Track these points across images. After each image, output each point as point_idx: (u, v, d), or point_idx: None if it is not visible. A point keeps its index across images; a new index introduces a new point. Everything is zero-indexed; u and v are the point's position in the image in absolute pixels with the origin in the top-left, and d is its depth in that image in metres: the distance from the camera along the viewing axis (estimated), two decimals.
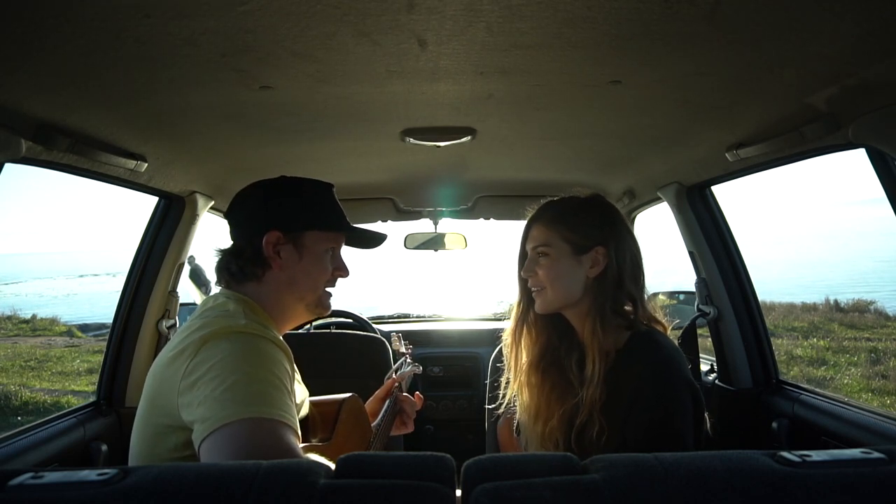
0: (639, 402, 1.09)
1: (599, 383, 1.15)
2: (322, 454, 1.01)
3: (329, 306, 1.21)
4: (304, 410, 1.22)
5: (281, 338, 1.05)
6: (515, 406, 1.35)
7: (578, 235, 1.22)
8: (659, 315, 1.24)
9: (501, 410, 1.39)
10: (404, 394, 1.67)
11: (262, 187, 1.18)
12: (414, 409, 1.64)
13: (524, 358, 1.31)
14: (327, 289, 1.20)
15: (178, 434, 0.94)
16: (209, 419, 0.86)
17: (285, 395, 0.94)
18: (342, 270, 1.22)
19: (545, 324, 1.30)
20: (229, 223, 1.19)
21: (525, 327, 1.31)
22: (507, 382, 1.35)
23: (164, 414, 0.95)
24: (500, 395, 1.37)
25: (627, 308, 1.21)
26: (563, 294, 1.23)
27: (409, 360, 1.88)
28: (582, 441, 1.16)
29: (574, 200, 1.29)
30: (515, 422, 1.40)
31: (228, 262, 1.13)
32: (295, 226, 1.14)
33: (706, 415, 1.17)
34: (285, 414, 0.90)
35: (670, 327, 1.26)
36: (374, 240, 1.32)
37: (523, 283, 1.30)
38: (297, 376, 1.22)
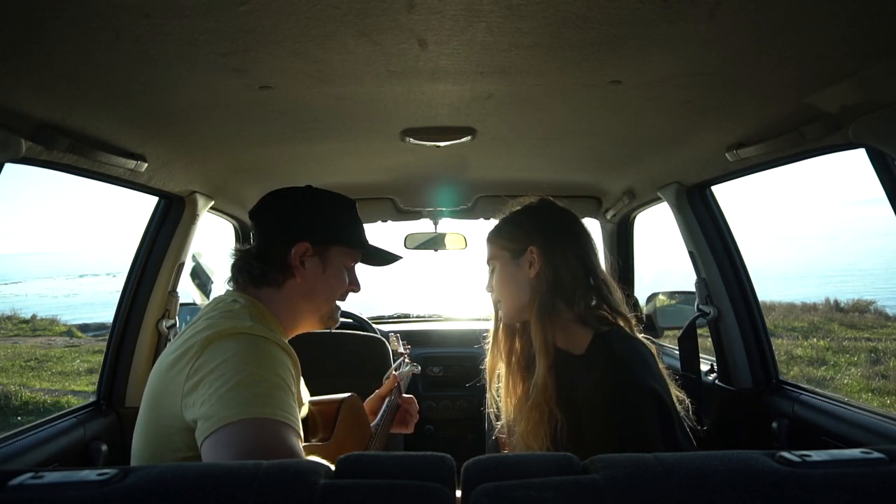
0: (598, 415, 1.08)
1: (545, 375, 1.16)
2: (321, 454, 1.01)
3: (338, 319, 1.24)
4: (304, 412, 1.22)
5: (287, 342, 1.05)
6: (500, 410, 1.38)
7: (510, 241, 1.28)
8: (623, 308, 1.24)
9: (491, 414, 1.41)
10: (406, 395, 1.67)
11: (295, 196, 1.20)
12: (416, 411, 1.64)
13: (501, 364, 1.36)
14: (338, 302, 1.23)
15: (183, 435, 0.93)
16: (212, 417, 0.86)
17: (289, 396, 0.94)
18: (356, 285, 1.26)
19: (516, 333, 1.34)
20: (255, 225, 1.20)
21: (501, 336, 1.35)
22: (486, 387, 1.41)
23: (169, 415, 0.94)
24: (487, 400, 1.42)
25: (578, 300, 1.21)
26: (514, 300, 1.26)
27: (407, 360, 1.88)
28: (556, 439, 1.15)
29: (511, 212, 1.34)
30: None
31: (251, 265, 1.14)
32: (324, 239, 1.17)
33: (690, 411, 1.16)
34: (288, 415, 0.90)
35: (634, 319, 1.25)
36: (387, 259, 1.34)
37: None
38: (301, 379, 1.22)
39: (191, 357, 0.93)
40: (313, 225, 1.17)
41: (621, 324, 1.21)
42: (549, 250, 1.23)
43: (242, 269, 1.14)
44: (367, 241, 1.26)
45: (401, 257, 1.36)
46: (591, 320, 1.20)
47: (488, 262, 1.33)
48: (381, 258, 1.32)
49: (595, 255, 1.27)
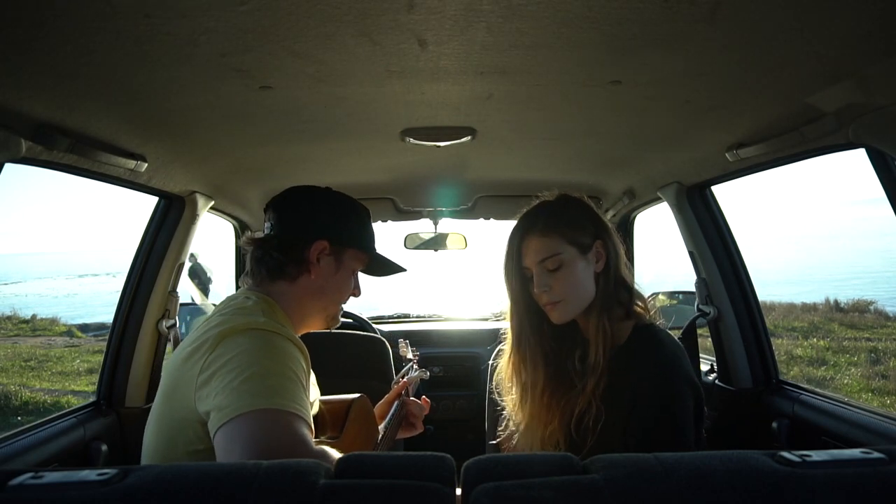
0: (641, 399, 1.09)
1: (602, 372, 1.15)
2: None
3: (339, 321, 1.29)
4: (315, 409, 1.23)
5: (298, 337, 1.08)
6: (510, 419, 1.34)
7: (581, 234, 1.21)
8: (641, 300, 1.25)
9: (506, 438, 1.37)
10: (411, 398, 1.68)
11: (319, 194, 1.24)
12: (421, 411, 1.66)
13: (530, 382, 1.25)
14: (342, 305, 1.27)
15: (196, 428, 0.96)
16: (226, 408, 0.88)
17: (300, 389, 0.96)
18: (358, 290, 1.29)
19: (541, 338, 1.26)
20: (276, 217, 1.21)
21: (528, 349, 1.25)
22: (506, 408, 1.34)
23: (181, 408, 0.97)
24: (502, 421, 1.37)
25: (626, 295, 1.22)
26: (583, 297, 1.21)
27: (415, 366, 1.89)
28: (579, 428, 1.16)
29: (553, 203, 1.27)
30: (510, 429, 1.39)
31: (269, 256, 1.16)
32: (342, 241, 1.21)
33: (706, 413, 1.17)
34: (300, 407, 0.93)
35: (651, 313, 1.26)
36: (390, 270, 1.36)
37: (523, 305, 1.24)
38: (313, 377, 1.23)
39: (205, 351, 0.96)
40: (335, 226, 1.21)
41: (638, 303, 1.23)
42: (611, 244, 1.23)
43: (262, 259, 1.17)
44: (375, 249, 1.29)
45: (405, 269, 1.38)
46: (633, 313, 1.21)
47: (547, 259, 1.19)
48: (385, 268, 1.34)
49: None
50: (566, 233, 1.20)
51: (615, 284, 1.21)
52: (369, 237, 1.28)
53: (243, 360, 0.93)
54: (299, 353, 1.02)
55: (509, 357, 1.30)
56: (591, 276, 1.21)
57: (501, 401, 1.37)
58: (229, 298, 1.15)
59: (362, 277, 1.32)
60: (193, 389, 0.95)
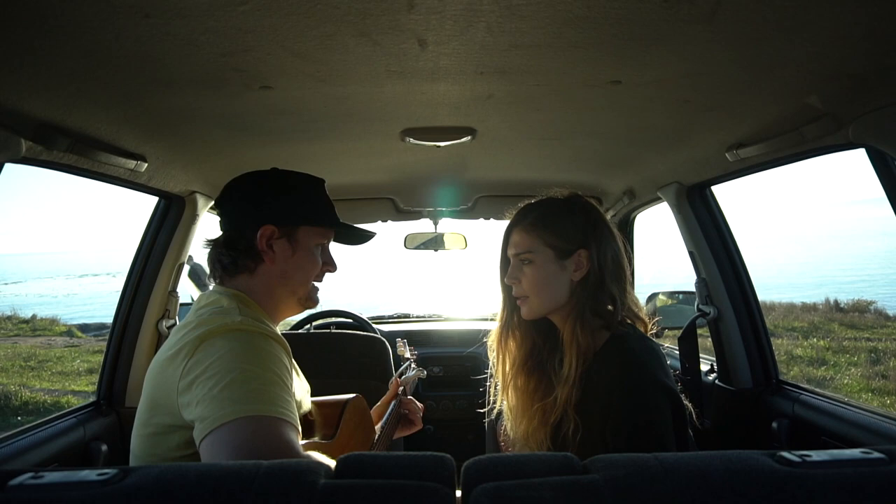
0: (613, 410, 1.07)
1: (575, 383, 1.14)
2: (325, 452, 1.01)
3: (318, 300, 1.23)
4: (307, 405, 1.22)
5: (277, 331, 1.05)
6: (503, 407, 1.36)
7: (561, 239, 1.21)
8: (639, 311, 1.24)
9: (494, 413, 1.39)
10: (408, 396, 1.68)
11: (256, 180, 1.19)
12: (418, 409, 1.65)
13: (509, 361, 1.31)
14: (315, 283, 1.21)
15: (180, 433, 0.94)
16: (208, 418, 0.86)
17: (284, 391, 0.94)
18: (331, 265, 1.23)
19: (529, 327, 1.30)
20: (220, 214, 1.19)
21: (510, 332, 1.31)
22: (495, 385, 1.36)
23: (165, 413, 0.95)
24: (489, 399, 1.38)
25: (609, 308, 1.21)
26: (549, 300, 1.22)
27: (413, 365, 1.89)
28: (557, 438, 1.15)
29: (554, 202, 1.28)
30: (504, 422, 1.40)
31: (220, 254, 1.14)
32: (289, 221, 1.15)
33: (694, 415, 1.17)
34: (284, 410, 0.90)
35: (651, 322, 1.26)
36: (362, 237, 1.32)
37: (508, 289, 1.29)
38: (298, 369, 1.22)
39: (184, 356, 0.94)
40: (278, 207, 1.15)
41: (638, 326, 1.22)
42: (597, 257, 1.20)
43: (215, 260, 1.14)
44: (336, 219, 1.23)
45: (374, 234, 1.34)
46: (614, 324, 1.19)
47: (521, 254, 1.24)
48: (354, 236, 1.31)
49: (627, 257, 1.26)
50: (546, 236, 1.22)
51: (595, 296, 1.20)
52: (322, 210, 1.21)
53: (222, 365, 0.91)
54: (280, 350, 1.00)
55: (500, 326, 1.33)
56: (566, 282, 1.21)
57: (491, 374, 1.38)
58: (201, 297, 1.12)
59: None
60: (175, 395, 0.93)
